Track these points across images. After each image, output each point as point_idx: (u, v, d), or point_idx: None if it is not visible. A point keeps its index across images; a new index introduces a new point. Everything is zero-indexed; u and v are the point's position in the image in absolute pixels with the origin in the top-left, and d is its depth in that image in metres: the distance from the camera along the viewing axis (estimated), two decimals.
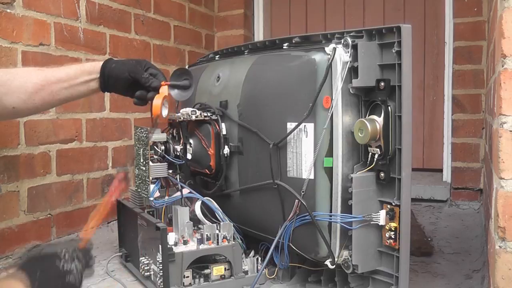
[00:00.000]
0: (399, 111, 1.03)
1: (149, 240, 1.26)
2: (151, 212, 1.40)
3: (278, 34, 2.75)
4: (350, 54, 1.07)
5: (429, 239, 1.65)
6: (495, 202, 0.88)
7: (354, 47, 1.06)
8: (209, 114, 1.36)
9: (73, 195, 1.74)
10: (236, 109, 1.34)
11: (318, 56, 1.10)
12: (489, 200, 1.17)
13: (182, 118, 1.32)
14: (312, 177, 1.11)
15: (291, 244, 1.17)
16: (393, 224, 1.04)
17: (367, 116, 1.09)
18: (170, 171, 1.30)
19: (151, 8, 2.15)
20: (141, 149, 1.29)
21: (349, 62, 1.07)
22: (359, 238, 1.08)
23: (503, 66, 0.84)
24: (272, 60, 1.28)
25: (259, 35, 2.80)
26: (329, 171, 1.09)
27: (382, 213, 1.06)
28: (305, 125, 1.12)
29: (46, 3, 1.61)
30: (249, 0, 2.75)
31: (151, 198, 1.27)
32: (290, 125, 1.16)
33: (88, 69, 1.20)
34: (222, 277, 1.24)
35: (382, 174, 1.06)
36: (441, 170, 2.40)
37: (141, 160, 1.29)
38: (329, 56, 1.07)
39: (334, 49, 1.07)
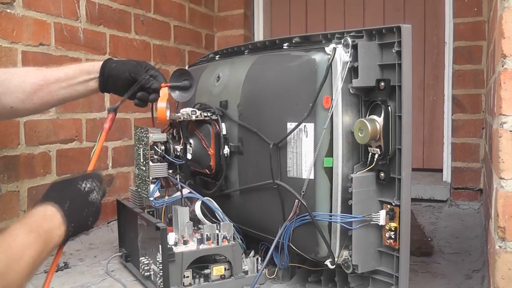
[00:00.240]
0: (399, 111, 1.03)
1: (149, 240, 1.26)
2: (151, 212, 1.40)
3: (278, 34, 2.75)
4: (350, 54, 1.07)
5: (429, 239, 1.65)
6: (495, 202, 0.88)
7: (354, 47, 1.06)
8: (209, 114, 1.35)
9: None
10: (236, 109, 1.34)
11: (318, 56, 1.10)
12: (489, 200, 1.17)
13: (182, 118, 1.32)
14: (312, 177, 1.11)
15: (291, 244, 1.17)
16: (393, 224, 1.04)
17: (367, 116, 1.09)
18: (170, 171, 1.30)
19: (151, 8, 2.15)
20: (141, 149, 1.29)
21: (349, 62, 1.07)
22: (359, 238, 1.08)
23: (503, 66, 0.84)
24: (272, 60, 1.28)
25: (259, 35, 2.80)
26: (329, 171, 1.09)
27: (382, 213, 1.06)
28: (305, 125, 1.12)
29: (46, 3, 1.61)
30: (249, 0, 2.75)
31: (151, 198, 1.27)
32: (290, 125, 1.16)
33: (87, 68, 1.19)
34: (222, 277, 1.24)
35: (382, 174, 1.06)
36: (441, 170, 2.40)
37: (141, 160, 1.29)
38: (329, 56, 1.07)
39: (334, 49, 1.07)
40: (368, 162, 1.08)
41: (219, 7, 2.73)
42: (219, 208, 1.31)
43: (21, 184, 1.52)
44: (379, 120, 1.05)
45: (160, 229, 1.15)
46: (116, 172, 1.92)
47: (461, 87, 2.21)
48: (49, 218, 0.83)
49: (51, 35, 1.63)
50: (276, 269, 1.28)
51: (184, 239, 1.24)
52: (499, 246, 0.84)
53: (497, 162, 0.85)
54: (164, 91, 1.18)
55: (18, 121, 1.51)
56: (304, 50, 1.17)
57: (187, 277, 1.20)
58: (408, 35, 1.01)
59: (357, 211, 1.07)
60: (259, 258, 1.30)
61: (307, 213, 1.10)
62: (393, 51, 1.03)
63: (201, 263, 1.23)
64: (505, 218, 0.83)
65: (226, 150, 1.35)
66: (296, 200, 1.13)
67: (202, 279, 1.22)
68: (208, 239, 1.24)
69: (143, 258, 1.28)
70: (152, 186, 1.26)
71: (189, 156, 1.36)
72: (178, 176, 1.31)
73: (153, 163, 1.26)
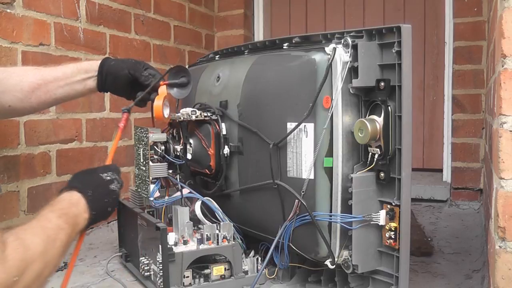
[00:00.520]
0: (399, 111, 1.03)
1: (149, 240, 1.26)
2: (151, 212, 1.40)
3: (278, 34, 2.75)
4: (350, 54, 1.07)
5: (429, 239, 1.65)
6: (495, 202, 0.88)
7: (354, 47, 1.06)
8: (209, 114, 1.35)
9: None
10: (236, 109, 1.34)
11: (318, 56, 1.10)
12: (489, 200, 1.17)
13: (182, 118, 1.32)
14: (312, 177, 1.11)
15: (291, 244, 1.17)
16: (393, 224, 1.04)
17: (367, 116, 1.09)
18: (170, 171, 1.30)
19: (151, 8, 2.15)
20: (141, 149, 1.29)
21: (349, 62, 1.07)
22: (359, 238, 1.08)
23: (503, 66, 0.84)
24: (272, 60, 1.28)
25: (259, 35, 2.80)
26: (329, 171, 1.09)
27: (382, 213, 1.06)
28: (305, 125, 1.12)
29: (46, 3, 1.61)
30: (249, 0, 2.75)
31: (151, 198, 1.27)
32: (290, 125, 1.16)
33: (85, 67, 1.19)
34: (222, 277, 1.24)
35: (382, 174, 1.06)
36: (441, 170, 2.40)
37: (141, 160, 1.29)
38: (329, 56, 1.07)
39: (334, 49, 1.07)
40: (368, 162, 1.08)
41: (219, 7, 2.73)
42: (219, 208, 1.31)
43: (21, 184, 1.52)
44: (379, 120, 1.05)
45: (160, 229, 1.15)
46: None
47: (461, 87, 2.21)
48: (75, 204, 0.87)
49: (51, 35, 1.63)
50: (276, 269, 1.28)
51: (184, 239, 1.24)
52: (499, 246, 0.84)
53: (497, 162, 0.85)
54: (161, 89, 1.18)
55: (18, 121, 1.51)
56: (304, 50, 1.17)
57: (187, 277, 1.20)
58: (408, 35, 1.01)
59: (357, 211, 1.07)
60: (259, 258, 1.29)
61: (307, 213, 1.10)
62: (393, 51, 1.03)
63: (201, 263, 1.23)
64: (505, 218, 0.83)
65: (226, 150, 1.34)
66: (296, 200, 1.13)
67: (202, 279, 1.22)
68: (208, 239, 1.24)
69: (143, 258, 1.28)
70: (152, 186, 1.26)
71: (189, 156, 1.36)
72: (178, 176, 1.31)
73: (153, 163, 1.26)
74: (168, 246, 1.17)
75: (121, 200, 1.50)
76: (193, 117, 1.33)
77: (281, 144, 1.18)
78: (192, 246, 1.23)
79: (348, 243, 1.09)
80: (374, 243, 1.09)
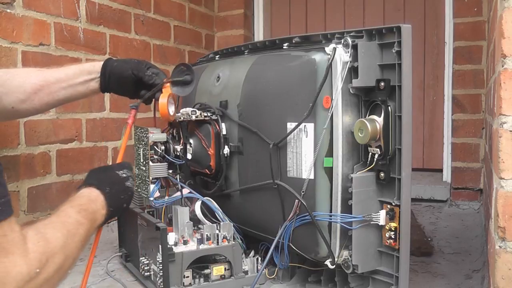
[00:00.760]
0: (399, 111, 1.03)
1: (149, 240, 1.26)
2: (151, 212, 1.40)
3: (278, 34, 2.75)
4: (350, 54, 1.07)
5: (429, 239, 1.65)
6: (495, 202, 0.88)
7: (354, 47, 1.06)
8: (209, 114, 1.35)
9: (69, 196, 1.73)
10: (236, 109, 1.34)
11: (318, 56, 1.10)
12: (489, 200, 1.17)
13: (182, 118, 1.32)
14: (312, 177, 1.11)
15: (291, 244, 1.17)
16: (393, 224, 1.04)
17: (367, 116, 1.09)
18: (170, 171, 1.30)
19: (151, 8, 2.15)
20: (141, 149, 1.29)
21: (349, 62, 1.07)
22: (359, 238, 1.08)
23: (503, 66, 0.84)
24: (272, 60, 1.28)
25: (259, 35, 2.80)
26: (329, 171, 1.09)
27: (382, 213, 1.06)
28: (305, 125, 1.12)
29: (46, 3, 1.61)
30: (249, 0, 2.75)
31: (151, 198, 1.27)
32: (290, 125, 1.16)
33: (87, 69, 1.20)
34: (222, 277, 1.24)
35: (382, 174, 1.06)
36: (441, 170, 2.40)
37: (141, 160, 1.29)
38: (329, 56, 1.07)
39: (334, 49, 1.07)
40: (368, 162, 1.08)
41: (219, 7, 2.73)
42: (219, 208, 1.31)
43: (21, 184, 1.52)
44: (379, 120, 1.05)
45: (160, 229, 1.15)
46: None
47: (461, 87, 2.21)
48: (94, 200, 0.90)
49: (51, 35, 1.63)
50: (276, 269, 1.28)
51: (184, 239, 1.24)
52: (499, 246, 0.84)
53: (497, 162, 0.85)
54: (165, 87, 1.19)
55: (18, 121, 1.51)
56: (304, 50, 1.17)
57: (187, 277, 1.20)
58: (408, 35, 1.01)
59: (357, 211, 1.07)
60: (259, 258, 1.30)
61: (307, 213, 1.10)
62: (393, 51, 1.03)
63: (201, 263, 1.23)
64: (505, 218, 0.83)
65: (226, 150, 1.34)
66: (296, 200, 1.13)
67: (202, 279, 1.22)
68: (208, 239, 1.24)
69: (143, 258, 1.28)
70: (152, 186, 1.26)
71: (189, 156, 1.36)
72: (178, 176, 1.31)
73: (153, 163, 1.26)
74: (168, 246, 1.17)
75: None
76: (193, 117, 1.33)
77: (281, 144, 1.18)
78: (192, 246, 1.23)
79: (348, 243, 1.09)
80: (374, 243, 1.09)
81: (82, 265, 1.46)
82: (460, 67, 2.21)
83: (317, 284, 1.23)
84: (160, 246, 1.16)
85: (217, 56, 1.61)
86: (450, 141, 2.29)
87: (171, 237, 1.21)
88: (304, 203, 1.11)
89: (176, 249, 1.19)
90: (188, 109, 1.34)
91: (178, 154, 1.32)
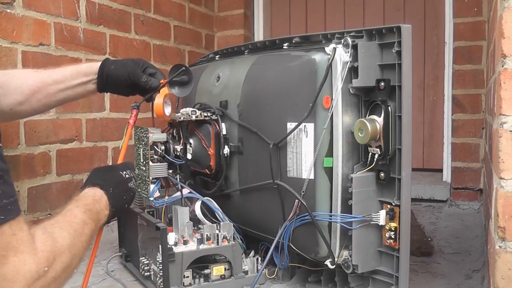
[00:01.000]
0: (399, 111, 1.03)
1: (149, 240, 1.26)
2: (151, 212, 1.40)
3: (278, 34, 2.75)
4: (350, 54, 1.07)
5: (429, 239, 1.65)
6: (495, 202, 0.88)
7: (354, 47, 1.06)
8: (209, 114, 1.35)
9: (73, 195, 1.73)
10: (236, 109, 1.34)
11: (318, 56, 1.10)
12: (489, 200, 1.17)
13: (182, 118, 1.32)
14: (312, 177, 1.11)
15: (291, 244, 1.17)
16: (393, 224, 1.04)
17: (367, 116, 1.09)
18: (170, 171, 1.30)
19: (151, 8, 2.15)
20: (141, 149, 1.29)
21: (349, 62, 1.07)
22: (359, 238, 1.08)
23: (503, 66, 0.84)
24: (272, 60, 1.28)
25: (259, 35, 2.80)
26: (329, 171, 1.09)
27: (382, 213, 1.06)
28: (305, 125, 1.12)
29: (46, 3, 1.61)
30: (249, 0, 2.75)
31: (151, 198, 1.27)
32: (290, 125, 1.16)
33: (84, 70, 1.20)
34: (222, 277, 1.24)
35: (382, 174, 1.06)
36: (441, 170, 2.40)
37: (141, 160, 1.29)
38: (329, 56, 1.07)
39: (334, 49, 1.07)
40: (368, 162, 1.08)
41: (219, 7, 2.73)
42: (219, 208, 1.31)
43: (21, 184, 1.52)
44: (379, 120, 1.05)
45: (160, 229, 1.15)
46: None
47: (461, 87, 2.21)
48: (98, 201, 0.91)
49: (51, 35, 1.63)
50: (276, 269, 1.28)
51: (184, 239, 1.24)
52: (499, 246, 0.84)
53: (497, 162, 0.85)
54: (162, 88, 1.19)
55: (18, 121, 1.51)
56: (304, 50, 1.17)
57: (187, 277, 1.20)
58: (408, 35, 1.01)
59: (357, 211, 1.07)
60: (259, 258, 1.29)
61: (307, 213, 1.10)
62: (393, 51, 1.03)
63: (201, 263, 1.23)
64: (505, 218, 0.83)
65: (226, 150, 1.34)
66: (296, 200, 1.13)
67: (202, 279, 1.22)
68: (208, 239, 1.24)
69: (143, 258, 1.28)
70: (152, 186, 1.26)
71: (189, 156, 1.36)
72: (178, 176, 1.31)
73: (153, 163, 1.26)
74: (168, 246, 1.17)
75: None
76: (193, 117, 1.33)
77: (281, 144, 1.18)
78: (192, 246, 1.23)
79: (348, 243, 1.09)
80: (374, 243, 1.09)
81: (83, 265, 1.46)
82: (460, 67, 2.21)
83: (317, 284, 1.23)
84: (160, 246, 1.16)
85: (217, 56, 1.61)
86: (450, 141, 2.29)
87: (171, 237, 1.21)
88: (304, 203, 1.11)
89: (176, 249, 1.19)
90: (188, 109, 1.34)
91: (178, 154, 1.32)
